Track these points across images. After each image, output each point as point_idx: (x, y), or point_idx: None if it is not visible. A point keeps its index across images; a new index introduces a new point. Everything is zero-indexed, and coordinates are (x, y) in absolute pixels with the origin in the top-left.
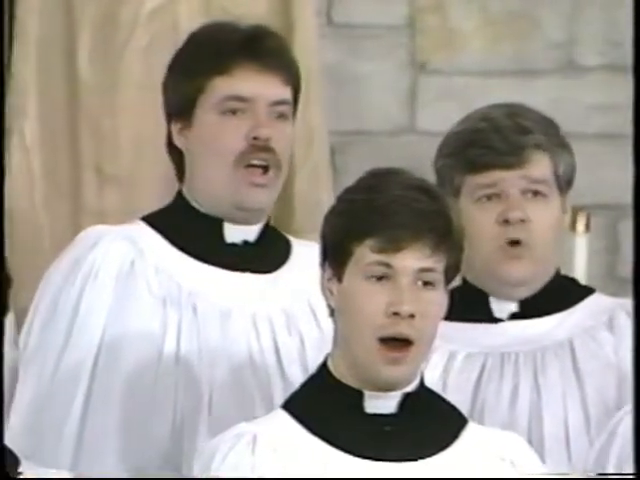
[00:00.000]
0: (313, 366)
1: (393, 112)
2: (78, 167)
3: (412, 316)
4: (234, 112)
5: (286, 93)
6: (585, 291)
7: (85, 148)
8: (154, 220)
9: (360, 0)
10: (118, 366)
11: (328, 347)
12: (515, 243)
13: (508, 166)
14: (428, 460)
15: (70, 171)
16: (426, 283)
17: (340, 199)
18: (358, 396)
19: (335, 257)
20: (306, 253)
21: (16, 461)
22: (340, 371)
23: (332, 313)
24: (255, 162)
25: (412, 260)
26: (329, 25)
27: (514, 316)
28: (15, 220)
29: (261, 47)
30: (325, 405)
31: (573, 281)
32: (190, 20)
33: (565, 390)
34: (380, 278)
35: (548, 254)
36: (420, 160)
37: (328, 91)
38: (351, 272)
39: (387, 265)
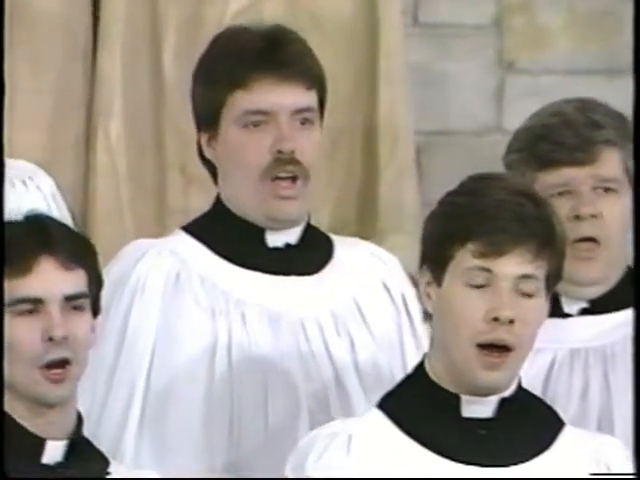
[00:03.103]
0: (364, 366)
1: (479, 112)
2: (163, 167)
3: (511, 322)
4: (256, 125)
5: (309, 99)
6: None
7: (170, 148)
8: (195, 229)
9: (447, 0)
10: (171, 379)
11: (377, 346)
12: (587, 240)
13: (578, 163)
14: (523, 465)
15: (155, 171)
16: (526, 289)
17: (442, 202)
18: (455, 400)
19: (435, 261)
20: (349, 251)
21: (106, 463)
22: (437, 374)
23: (427, 318)
24: (282, 174)
25: (513, 266)
26: (415, 25)
27: (584, 311)
28: (101, 220)
29: (278, 56)
30: (421, 407)
31: None
32: (275, 20)
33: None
34: (480, 283)
35: (619, 250)
36: None
37: (414, 91)
38: (451, 276)
39: (488, 270)
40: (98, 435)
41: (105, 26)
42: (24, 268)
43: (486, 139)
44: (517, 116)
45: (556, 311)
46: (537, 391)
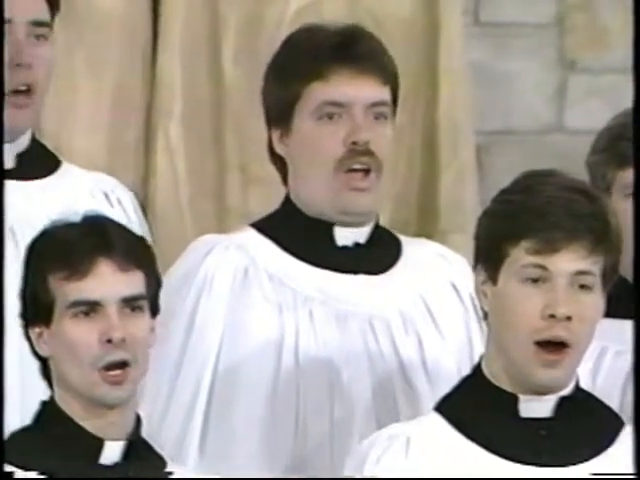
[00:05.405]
0: (432, 366)
1: (541, 111)
2: (223, 167)
3: (569, 318)
4: (331, 117)
5: (384, 94)
6: None
7: (230, 148)
8: (264, 226)
9: None
10: (238, 374)
11: (445, 345)
12: None
13: None
14: (583, 465)
15: (215, 171)
16: (583, 286)
17: (496, 200)
18: (513, 400)
19: (490, 259)
20: (417, 251)
21: (163, 463)
22: (494, 374)
23: (486, 316)
24: (356, 166)
25: (568, 262)
26: (476, 24)
27: None
28: (160, 220)
29: (356, 50)
30: (479, 408)
31: None
32: (335, 20)
33: None
34: (536, 280)
35: None
36: (568, 159)
37: (475, 90)
38: (506, 274)
39: (543, 267)
40: (162, 430)
41: (165, 26)
42: (82, 270)
43: (547, 138)
44: (578, 115)
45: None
46: (615, 395)
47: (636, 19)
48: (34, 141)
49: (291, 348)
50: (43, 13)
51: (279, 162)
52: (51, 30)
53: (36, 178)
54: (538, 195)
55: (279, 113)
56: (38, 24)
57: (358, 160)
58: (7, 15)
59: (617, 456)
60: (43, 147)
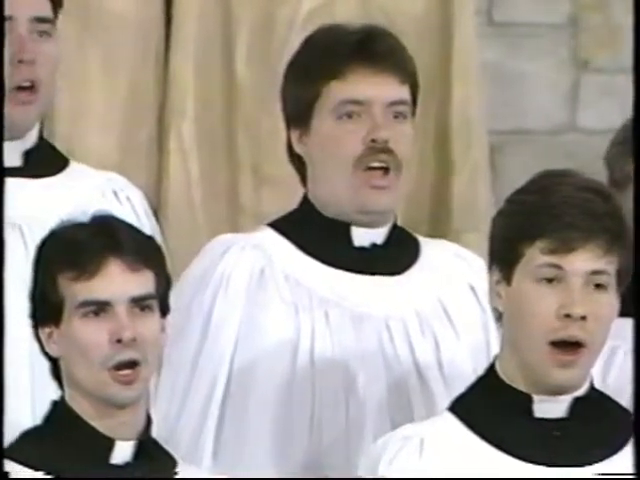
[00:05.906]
0: (448, 368)
1: (554, 111)
2: (235, 168)
3: (584, 318)
4: (350, 116)
5: (403, 92)
6: None
7: (242, 149)
8: (281, 226)
9: None
10: (253, 374)
11: (462, 347)
12: None
13: None
14: (597, 465)
15: (227, 172)
16: (598, 285)
17: (510, 200)
18: (527, 400)
19: (504, 259)
20: (435, 252)
21: (174, 463)
22: (509, 374)
23: (499, 318)
24: (375, 164)
25: (584, 262)
26: (490, 24)
27: None
28: (173, 220)
29: (374, 49)
30: (493, 409)
31: None
32: (347, 20)
33: None
34: (550, 280)
35: None
36: (581, 159)
37: (488, 90)
38: (521, 274)
39: (558, 267)
40: (177, 430)
41: (178, 27)
42: (91, 270)
43: (560, 138)
44: (591, 115)
45: None
46: (626, 394)
47: (636, 19)
48: (41, 139)
49: (307, 349)
50: (45, 9)
51: (298, 162)
52: (54, 26)
53: (44, 176)
54: (553, 195)
55: (298, 113)
56: (40, 20)
57: (377, 158)
58: (9, 12)
59: (630, 457)
60: (51, 145)
